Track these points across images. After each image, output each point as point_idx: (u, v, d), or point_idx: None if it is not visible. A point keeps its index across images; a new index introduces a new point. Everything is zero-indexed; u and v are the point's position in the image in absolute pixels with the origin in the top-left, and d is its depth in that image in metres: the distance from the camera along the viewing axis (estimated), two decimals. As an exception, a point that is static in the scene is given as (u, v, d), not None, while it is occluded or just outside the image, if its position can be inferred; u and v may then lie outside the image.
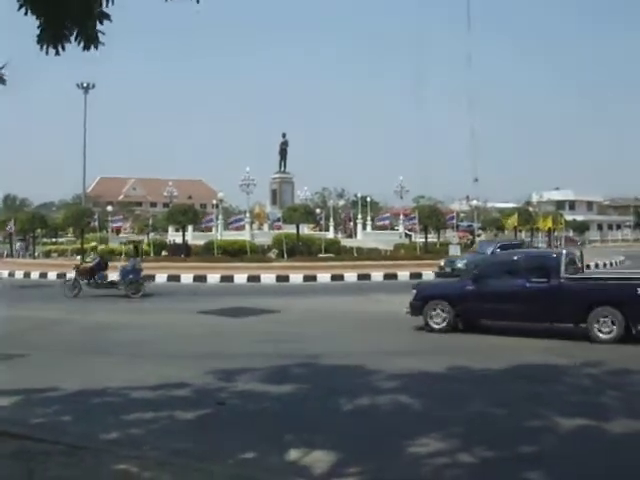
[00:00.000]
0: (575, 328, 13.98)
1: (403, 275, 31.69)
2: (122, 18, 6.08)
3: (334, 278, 31.08)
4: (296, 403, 9.03)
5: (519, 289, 14.40)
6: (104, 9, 5.73)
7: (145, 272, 31.54)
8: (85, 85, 66.66)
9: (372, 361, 11.43)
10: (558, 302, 13.92)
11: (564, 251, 15.30)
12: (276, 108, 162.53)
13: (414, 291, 15.91)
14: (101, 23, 5.77)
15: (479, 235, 54.44)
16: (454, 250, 39.65)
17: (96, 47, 5.84)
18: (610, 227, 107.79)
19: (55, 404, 8.78)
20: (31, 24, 5.63)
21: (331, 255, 37.67)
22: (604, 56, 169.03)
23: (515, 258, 15.82)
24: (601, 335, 13.37)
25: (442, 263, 32.22)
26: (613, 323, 13.31)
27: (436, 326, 15.10)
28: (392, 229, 54.51)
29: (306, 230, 45.62)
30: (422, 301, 15.49)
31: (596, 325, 13.45)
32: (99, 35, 5.81)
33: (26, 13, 5.54)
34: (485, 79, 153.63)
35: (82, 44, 5.77)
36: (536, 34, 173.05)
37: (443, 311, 15.11)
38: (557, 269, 14.11)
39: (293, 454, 6.75)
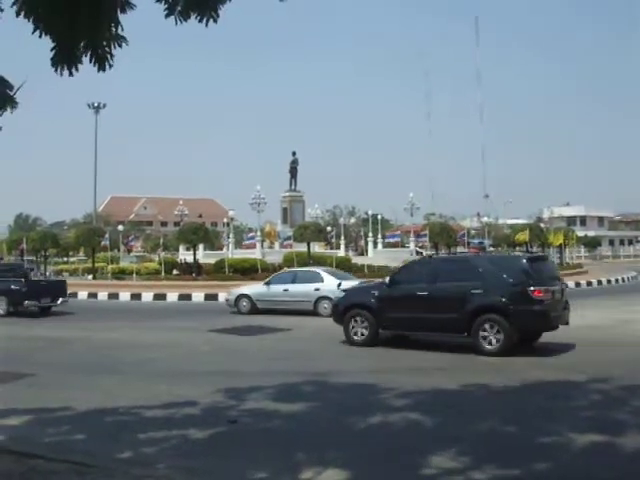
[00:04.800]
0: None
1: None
2: (135, 35, 6.15)
3: (345, 296, 30.86)
4: (307, 421, 9.00)
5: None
6: (119, 32, 5.81)
7: (156, 291, 31.85)
8: (96, 105, 67.12)
9: (382, 379, 11.43)
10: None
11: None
12: (287, 126, 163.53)
13: None
14: (119, 46, 5.85)
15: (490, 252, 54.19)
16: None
17: (109, 67, 5.91)
18: (622, 242, 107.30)
19: (67, 423, 8.78)
20: (40, 43, 5.71)
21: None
22: (615, 70, 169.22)
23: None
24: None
25: None
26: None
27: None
28: (403, 246, 54.50)
29: (317, 248, 45.63)
30: None
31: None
32: (109, 57, 5.87)
33: (40, 35, 5.61)
34: (496, 95, 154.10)
35: (96, 65, 5.84)
36: (550, 47, 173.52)
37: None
38: (28, 274, 26.24)
39: (306, 473, 6.72)
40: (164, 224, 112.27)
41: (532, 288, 13.98)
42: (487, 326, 14.19)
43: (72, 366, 13.65)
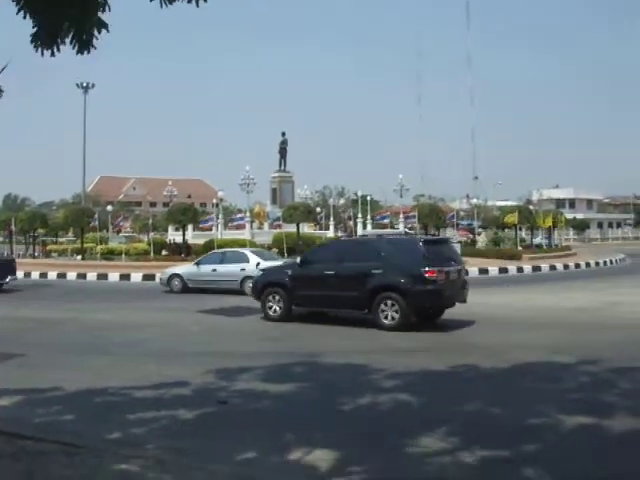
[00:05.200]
0: None
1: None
2: (123, 17, 6.06)
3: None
4: (297, 402, 9.02)
5: None
6: (101, 15, 5.68)
7: (145, 272, 31.85)
8: (85, 85, 66.67)
9: (372, 359, 11.47)
10: None
11: None
12: (276, 107, 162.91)
13: None
14: (99, 32, 5.71)
15: (479, 234, 54.34)
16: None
17: (88, 51, 5.77)
18: (610, 225, 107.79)
19: (56, 403, 8.75)
20: (27, 24, 5.62)
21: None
22: (606, 54, 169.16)
23: None
24: None
25: None
26: None
27: None
28: (392, 228, 54.51)
29: (306, 229, 45.57)
30: None
31: None
32: (92, 39, 5.74)
33: (25, 17, 5.49)
34: (486, 77, 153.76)
35: (76, 48, 5.71)
36: (541, 30, 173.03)
37: None
38: None
39: (294, 453, 6.73)
40: (153, 204, 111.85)
41: (426, 269, 14.82)
42: (385, 303, 15.23)
43: (62, 346, 13.61)
